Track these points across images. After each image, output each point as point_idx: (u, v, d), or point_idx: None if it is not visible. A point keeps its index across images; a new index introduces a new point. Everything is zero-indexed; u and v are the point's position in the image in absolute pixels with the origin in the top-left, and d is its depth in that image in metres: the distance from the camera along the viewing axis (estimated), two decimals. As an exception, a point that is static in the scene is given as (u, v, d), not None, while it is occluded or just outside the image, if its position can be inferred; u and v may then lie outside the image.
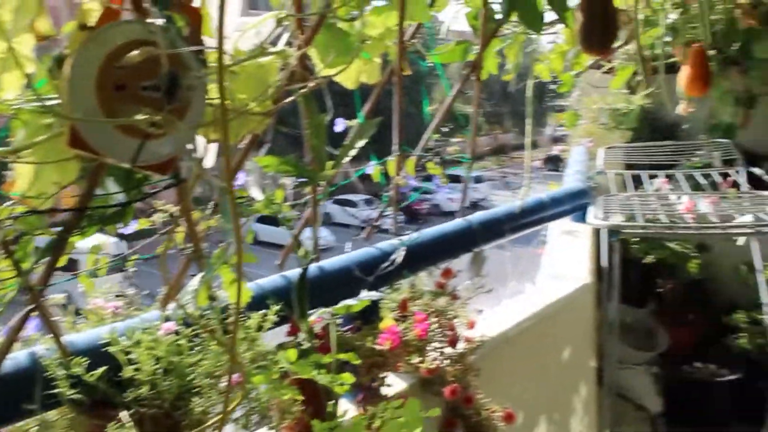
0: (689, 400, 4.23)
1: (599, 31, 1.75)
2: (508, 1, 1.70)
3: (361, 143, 1.34)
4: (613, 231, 2.55)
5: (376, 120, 1.42)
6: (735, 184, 3.31)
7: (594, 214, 2.75)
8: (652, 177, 3.67)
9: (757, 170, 3.33)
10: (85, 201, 1.04)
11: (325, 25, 1.56)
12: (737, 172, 3.40)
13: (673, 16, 2.67)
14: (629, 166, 3.85)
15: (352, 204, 22.85)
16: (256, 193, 1.31)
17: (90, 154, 0.94)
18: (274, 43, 1.34)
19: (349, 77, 1.82)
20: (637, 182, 3.65)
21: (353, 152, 1.36)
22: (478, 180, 28.42)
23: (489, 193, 28.17)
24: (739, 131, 3.98)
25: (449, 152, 2.30)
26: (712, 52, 2.63)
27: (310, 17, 1.42)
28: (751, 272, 4.43)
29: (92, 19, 0.97)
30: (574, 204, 2.97)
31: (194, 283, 1.19)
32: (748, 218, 2.58)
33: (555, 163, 31.85)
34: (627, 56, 2.99)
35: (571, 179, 3.28)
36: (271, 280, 1.58)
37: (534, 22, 1.70)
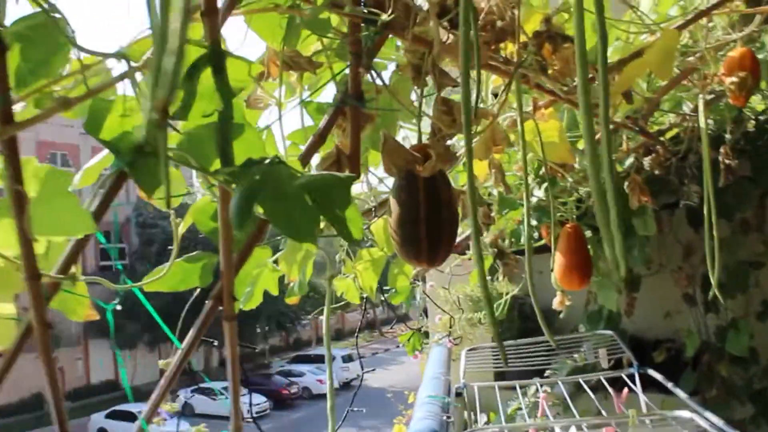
0: None
1: (429, 237, 1.00)
2: (239, 211, 0.81)
3: None
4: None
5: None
6: (630, 391, 2.58)
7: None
8: (524, 387, 2.89)
9: (654, 373, 2.61)
10: None
11: None
12: (630, 376, 2.67)
13: (538, 193, 2.02)
14: (499, 374, 3.08)
15: (212, 393, 20.71)
16: None
17: None
18: None
19: None
20: (510, 393, 2.86)
21: None
22: (349, 358, 27.10)
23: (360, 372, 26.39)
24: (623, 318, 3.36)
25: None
26: (587, 233, 1.96)
27: None
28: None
29: None
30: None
31: None
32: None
33: (428, 332, 30.97)
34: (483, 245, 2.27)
35: (420, 411, 2.33)
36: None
37: (346, 231, 0.87)
